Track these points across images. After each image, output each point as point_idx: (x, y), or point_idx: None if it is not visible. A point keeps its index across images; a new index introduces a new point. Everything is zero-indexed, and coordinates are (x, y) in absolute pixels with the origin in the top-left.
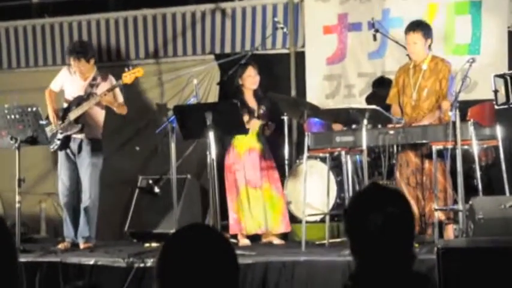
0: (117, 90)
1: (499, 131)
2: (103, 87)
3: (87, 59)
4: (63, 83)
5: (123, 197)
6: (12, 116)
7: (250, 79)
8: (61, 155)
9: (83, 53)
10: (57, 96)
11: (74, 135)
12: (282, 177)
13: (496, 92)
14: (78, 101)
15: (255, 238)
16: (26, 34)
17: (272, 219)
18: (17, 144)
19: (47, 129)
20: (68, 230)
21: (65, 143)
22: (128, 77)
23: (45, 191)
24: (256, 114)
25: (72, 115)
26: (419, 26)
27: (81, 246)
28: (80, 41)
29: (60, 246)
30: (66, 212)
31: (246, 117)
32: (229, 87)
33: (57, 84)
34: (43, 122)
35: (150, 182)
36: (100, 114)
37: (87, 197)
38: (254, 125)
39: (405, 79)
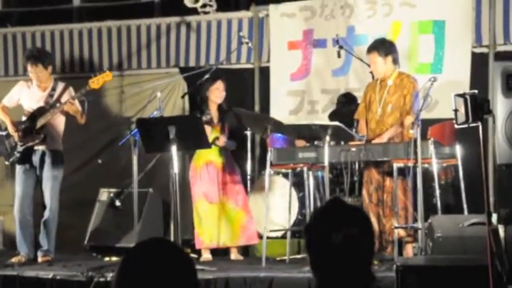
0: (76, 101)
1: (458, 150)
2: (64, 97)
3: (44, 65)
4: (19, 97)
5: (83, 210)
6: None
7: (217, 92)
8: (18, 168)
9: (40, 59)
10: (12, 111)
11: (36, 147)
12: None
13: (456, 111)
14: (40, 111)
15: (223, 252)
16: None
17: (231, 233)
18: None
19: (7, 143)
20: (21, 244)
21: (25, 155)
22: (95, 82)
23: (4, 202)
24: (213, 126)
25: (38, 124)
26: (375, 47)
27: (40, 259)
28: (37, 48)
29: (14, 259)
30: (19, 226)
31: (208, 129)
32: (196, 100)
33: (11, 100)
34: (2, 133)
35: (111, 195)
36: (61, 125)
37: (47, 210)
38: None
39: (372, 95)
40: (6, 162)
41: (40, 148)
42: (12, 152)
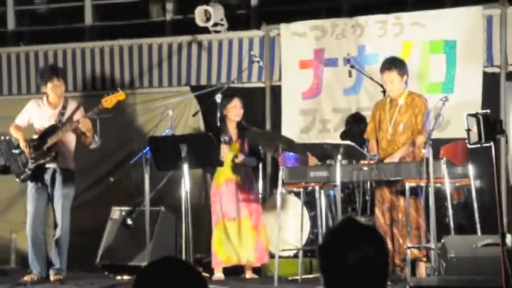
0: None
1: (471, 170)
2: (75, 115)
3: (64, 80)
4: (30, 117)
5: (95, 228)
6: None
7: (235, 110)
8: (30, 186)
9: (62, 73)
10: (25, 130)
11: (47, 165)
12: None
13: (468, 130)
14: (52, 129)
15: (236, 271)
16: (1, 62)
17: (247, 250)
18: None
19: (19, 161)
20: (33, 262)
21: (37, 173)
22: (108, 101)
23: (17, 220)
24: (232, 144)
25: (49, 141)
26: (394, 64)
27: (52, 278)
28: (53, 64)
29: (27, 278)
30: (31, 245)
31: (226, 148)
32: (211, 118)
33: (23, 119)
34: (16, 151)
35: (123, 213)
36: (72, 144)
37: (58, 228)
38: (223, 150)
39: (381, 114)
40: (17, 179)
41: (51, 166)
42: (23, 169)
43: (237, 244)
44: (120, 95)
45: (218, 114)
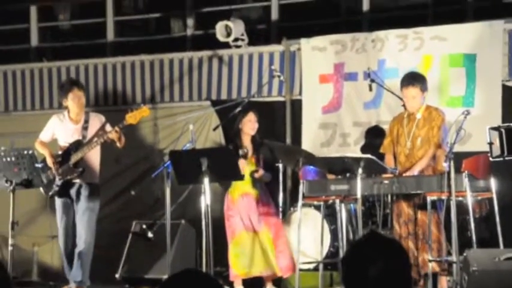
0: (108, 126)
1: (493, 183)
2: (98, 127)
3: (84, 92)
4: (54, 132)
5: (117, 241)
6: (8, 159)
7: (250, 124)
8: (58, 201)
9: (82, 86)
10: (48, 145)
11: (74, 180)
12: None
13: (491, 144)
14: (76, 145)
15: (256, 283)
16: (24, 78)
17: (265, 262)
18: (11, 187)
19: (43, 175)
20: (69, 273)
21: (64, 189)
22: (132, 117)
23: (39, 233)
24: (248, 158)
25: (75, 157)
26: (418, 80)
27: None
28: (72, 78)
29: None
30: (65, 257)
31: (243, 162)
32: (230, 132)
33: (47, 135)
34: (38, 165)
35: (144, 226)
36: (97, 158)
37: (82, 242)
38: (241, 165)
39: (399, 129)
40: (45, 195)
41: (77, 181)
42: (50, 185)
43: (254, 256)
44: (144, 111)
45: (233, 128)
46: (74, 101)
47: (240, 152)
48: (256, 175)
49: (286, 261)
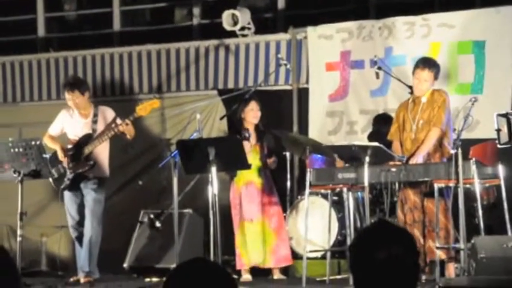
0: (118, 120)
1: (501, 170)
2: (108, 120)
3: (81, 91)
4: (63, 126)
5: (124, 231)
6: (16, 150)
7: (252, 113)
8: (68, 193)
9: (76, 85)
10: (58, 139)
11: (85, 174)
12: (284, 213)
13: (498, 131)
14: (87, 138)
15: (264, 272)
16: (31, 68)
17: (265, 254)
18: (20, 178)
19: (54, 169)
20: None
21: (74, 182)
22: (143, 109)
23: (47, 224)
24: (252, 146)
25: (86, 151)
26: (434, 66)
27: (82, 280)
28: (72, 75)
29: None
30: (78, 245)
31: (247, 145)
32: (235, 121)
33: (56, 128)
34: (46, 156)
35: (152, 216)
36: (106, 152)
37: (90, 232)
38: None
39: (405, 114)
40: (55, 187)
41: (88, 175)
42: (62, 178)
43: (259, 245)
44: (154, 103)
45: (236, 117)
46: (68, 102)
47: (243, 134)
48: (269, 160)
49: (286, 251)
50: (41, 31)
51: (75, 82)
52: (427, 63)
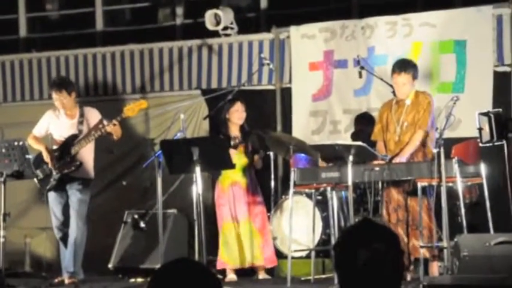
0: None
1: (483, 168)
2: (94, 121)
3: (68, 91)
4: (48, 127)
5: (108, 231)
6: None
7: (237, 114)
8: (52, 193)
9: (63, 85)
10: (42, 140)
11: (71, 174)
12: (268, 213)
13: (480, 129)
14: (72, 139)
15: (249, 272)
16: (13, 69)
17: (255, 252)
18: (2, 179)
19: (39, 170)
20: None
21: (61, 182)
22: (130, 110)
23: (31, 225)
24: (237, 147)
25: (72, 151)
26: (409, 67)
27: (66, 281)
28: (59, 76)
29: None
30: (63, 246)
31: (233, 152)
32: (217, 121)
33: (41, 129)
34: (29, 156)
35: (136, 216)
36: (91, 153)
37: (74, 233)
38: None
39: (388, 115)
40: (42, 189)
41: (73, 175)
42: (47, 179)
43: (243, 246)
44: (142, 104)
45: (221, 118)
46: (55, 102)
47: (232, 142)
48: (256, 164)
49: (270, 252)
50: (23, 31)
51: (63, 82)
52: (402, 66)
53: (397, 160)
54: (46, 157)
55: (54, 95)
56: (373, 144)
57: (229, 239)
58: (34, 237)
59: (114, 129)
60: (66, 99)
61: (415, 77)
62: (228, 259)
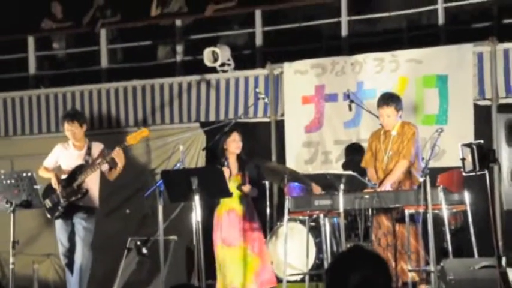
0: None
1: (467, 196)
2: (99, 154)
3: (80, 122)
4: (57, 159)
5: (112, 258)
6: (8, 181)
7: (234, 144)
8: (59, 221)
9: (76, 117)
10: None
11: (77, 203)
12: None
13: (463, 160)
14: (80, 168)
15: None
16: (23, 104)
17: (246, 278)
18: (12, 208)
19: (48, 199)
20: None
21: (68, 210)
22: (133, 138)
23: (39, 252)
24: (233, 175)
25: (79, 179)
26: (392, 101)
27: None
28: (73, 108)
29: None
30: (69, 272)
31: (226, 171)
32: (215, 152)
33: (51, 161)
34: (37, 187)
35: (139, 243)
36: (97, 183)
37: (79, 259)
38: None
39: (377, 145)
40: (49, 216)
41: (79, 204)
42: (55, 207)
43: (237, 270)
44: (144, 132)
45: (219, 148)
46: (67, 133)
47: (222, 161)
48: (244, 188)
49: (269, 275)
50: (32, 69)
51: (76, 114)
52: (385, 100)
53: (381, 188)
54: (54, 183)
55: (66, 125)
56: (363, 172)
57: (222, 264)
58: (41, 263)
59: (118, 156)
60: (77, 129)
61: (399, 109)
62: (222, 284)
